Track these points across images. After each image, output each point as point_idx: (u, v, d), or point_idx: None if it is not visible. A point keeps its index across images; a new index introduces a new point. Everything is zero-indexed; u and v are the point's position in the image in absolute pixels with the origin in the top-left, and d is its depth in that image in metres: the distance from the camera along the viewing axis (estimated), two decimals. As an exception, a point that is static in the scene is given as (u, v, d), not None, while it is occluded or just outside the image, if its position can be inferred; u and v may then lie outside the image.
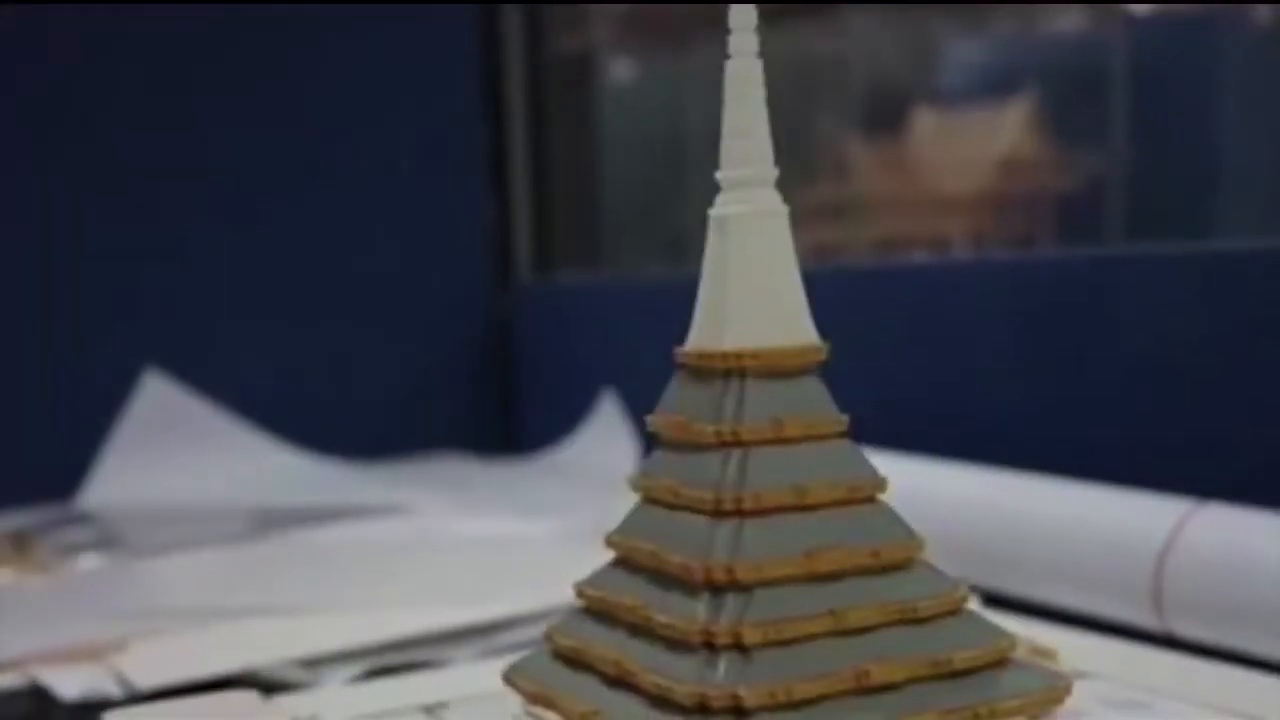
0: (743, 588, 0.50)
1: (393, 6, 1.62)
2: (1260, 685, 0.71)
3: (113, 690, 0.81)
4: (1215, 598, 0.78)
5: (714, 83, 0.56)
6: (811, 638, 0.50)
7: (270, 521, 1.29)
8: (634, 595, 0.54)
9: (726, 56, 0.55)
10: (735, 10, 0.55)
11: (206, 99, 1.56)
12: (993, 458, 0.99)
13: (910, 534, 0.54)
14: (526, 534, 1.20)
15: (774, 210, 0.55)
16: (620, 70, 1.91)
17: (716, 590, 0.50)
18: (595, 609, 0.56)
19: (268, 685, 0.78)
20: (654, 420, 0.56)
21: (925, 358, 1.15)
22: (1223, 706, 0.67)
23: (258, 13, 1.55)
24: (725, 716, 0.48)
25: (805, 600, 0.51)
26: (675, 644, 0.51)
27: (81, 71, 1.49)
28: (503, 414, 1.73)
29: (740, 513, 0.51)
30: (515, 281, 1.76)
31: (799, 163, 1.56)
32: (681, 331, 0.56)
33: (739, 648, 0.49)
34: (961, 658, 0.52)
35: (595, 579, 0.57)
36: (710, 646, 0.49)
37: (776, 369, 0.54)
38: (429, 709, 0.71)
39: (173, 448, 1.49)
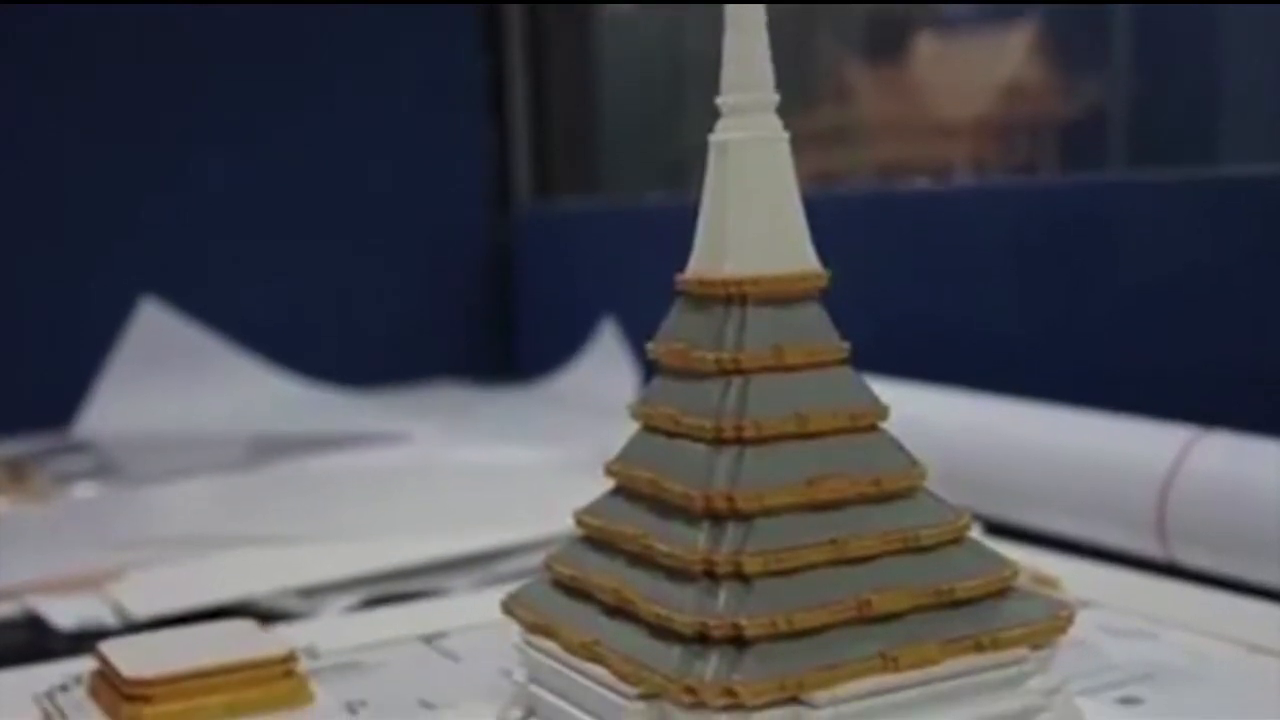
0: (743, 516, 0.50)
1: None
2: (1264, 613, 0.70)
3: (109, 619, 0.81)
4: (1219, 526, 0.78)
5: (714, 8, 0.55)
6: (813, 567, 0.50)
7: (268, 449, 1.29)
8: (634, 524, 0.53)
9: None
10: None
11: (207, 26, 1.55)
12: (995, 385, 0.98)
13: (912, 462, 0.53)
14: (525, 462, 1.19)
15: (775, 136, 0.54)
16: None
17: (717, 519, 0.50)
18: (595, 538, 0.56)
19: (265, 614, 0.78)
20: (654, 347, 0.56)
21: (927, 284, 1.15)
22: (1226, 634, 0.67)
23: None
24: (725, 646, 0.48)
25: (806, 529, 0.50)
26: (675, 573, 0.50)
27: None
28: (502, 341, 1.72)
29: (741, 441, 0.51)
30: (514, 207, 1.76)
31: (800, 88, 1.55)
32: (682, 258, 0.55)
33: (740, 577, 0.49)
34: (964, 587, 0.51)
35: (595, 507, 0.56)
36: (711, 575, 0.49)
37: (777, 295, 0.53)
38: (427, 638, 0.71)
39: (170, 375, 1.49)
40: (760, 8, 0.54)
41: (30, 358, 1.47)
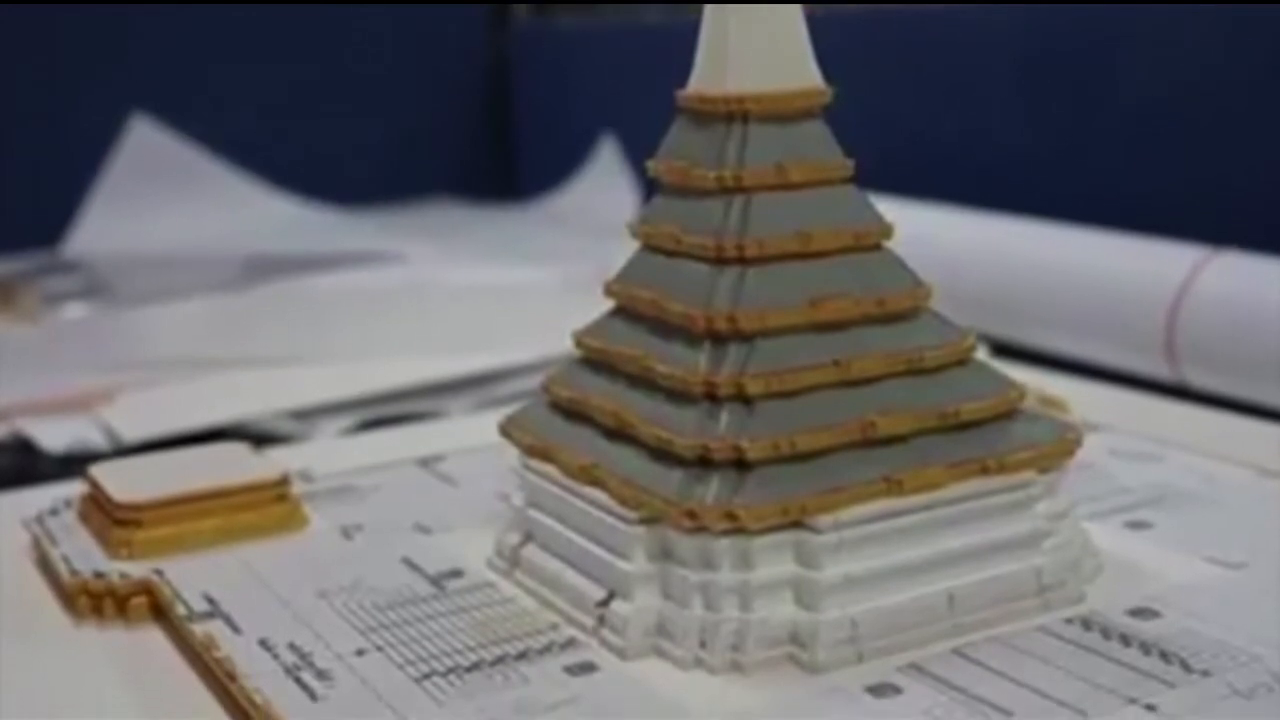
0: (745, 337, 0.49)
1: None
2: (1275, 435, 0.69)
3: (99, 442, 0.80)
4: (1228, 347, 0.77)
5: None
6: (815, 388, 0.49)
7: (261, 269, 1.28)
8: (634, 345, 0.52)
9: None
10: None
11: None
12: (1001, 204, 0.97)
13: (917, 282, 0.53)
14: (523, 282, 1.18)
15: (778, -52, 0.53)
16: None
17: (718, 339, 0.49)
18: (594, 359, 0.55)
19: (258, 437, 0.77)
20: (654, 165, 0.55)
21: (932, 101, 1.14)
22: (1234, 457, 0.66)
23: None
24: (727, 469, 0.47)
25: (809, 350, 0.49)
26: (676, 395, 0.50)
27: None
28: (500, 159, 1.71)
29: (742, 260, 0.50)
30: (512, 23, 1.73)
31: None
32: (683, 75, 0.54)
33: (741, 399, 0.48)
34: (969, 409, 0.51)
35: (594, 328, 0.56)
36: (712, 398, 0.48)
37: (779, 112, 0.52)
38: (423, 462, 0.70)
39: (161, 194, 1.48)
40: None
41: (19, 175, 1.46)
